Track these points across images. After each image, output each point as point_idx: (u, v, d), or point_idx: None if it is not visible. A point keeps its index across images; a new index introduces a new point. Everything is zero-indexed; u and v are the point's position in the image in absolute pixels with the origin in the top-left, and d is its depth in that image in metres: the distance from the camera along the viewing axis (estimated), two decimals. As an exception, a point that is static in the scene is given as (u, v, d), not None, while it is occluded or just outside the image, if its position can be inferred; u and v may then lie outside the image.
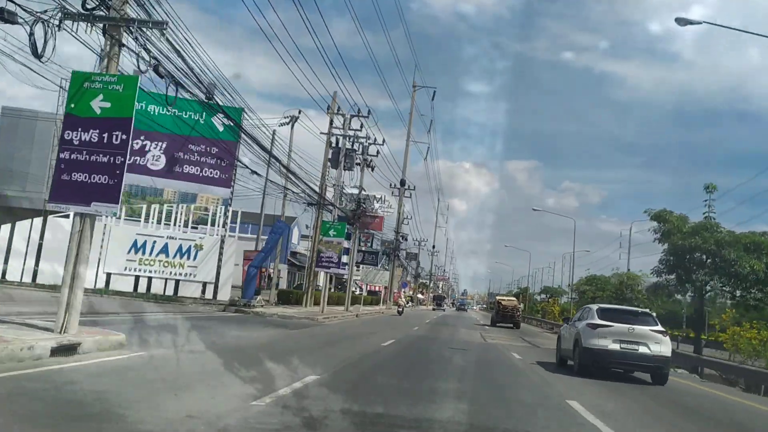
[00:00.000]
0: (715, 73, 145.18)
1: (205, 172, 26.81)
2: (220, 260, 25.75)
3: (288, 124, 33.96)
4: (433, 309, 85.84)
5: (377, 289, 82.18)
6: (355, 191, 62.62)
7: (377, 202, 67.21)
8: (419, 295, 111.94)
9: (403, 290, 67.06)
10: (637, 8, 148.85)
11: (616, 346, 12.85)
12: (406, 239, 53.44)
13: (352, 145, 29.32)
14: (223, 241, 25.94)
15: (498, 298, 50.00)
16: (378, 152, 34.62)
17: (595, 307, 15.13)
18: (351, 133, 29.14)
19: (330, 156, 29.80)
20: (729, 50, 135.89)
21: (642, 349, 12.88)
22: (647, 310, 16.25)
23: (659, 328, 13.45)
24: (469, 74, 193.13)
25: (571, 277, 40.02)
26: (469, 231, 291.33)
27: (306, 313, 26.20)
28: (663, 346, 13.09)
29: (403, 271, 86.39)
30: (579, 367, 13.44)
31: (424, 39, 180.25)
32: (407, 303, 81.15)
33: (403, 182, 49.14)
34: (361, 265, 60.99)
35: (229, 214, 26.36)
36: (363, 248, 69.21)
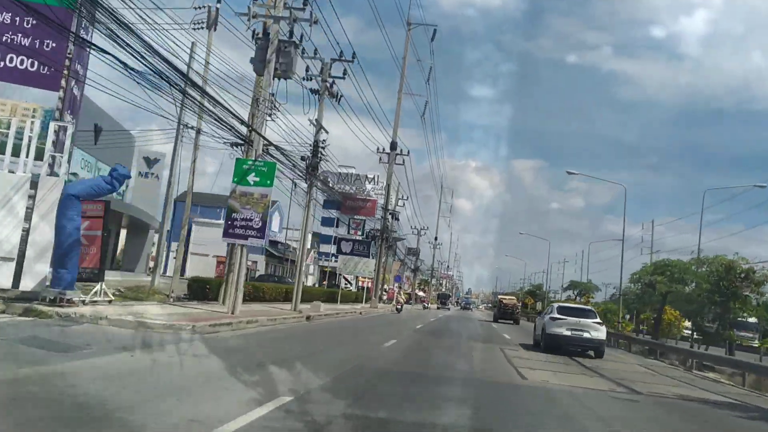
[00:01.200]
0: (721, 74, 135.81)
1: (12, 62, 14.77)
2: (28, 219, 13.46)
3: (205, 27, 21.85)
4: (438, 308, 74.18)
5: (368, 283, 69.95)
6: (345, 171, 50.51)
7: (369, 182, 55.62)
8: (420, 293, 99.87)
9: (396, 284, 54.67)
10: (643, 8, 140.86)
11: (568, 332, 17.75)
12: (398, 218, 40.99)
13: (290, 35, 16.93)
14: (36, 184, 13.64)
15: (500, 297, 55.29)
16: (345, 72, 22.31)
17: (556, 305, 21.95)
18: (286, 14, 16.74)
19: (255, 55, 17.43)
20: (735, 51, 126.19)
21: (585, 334, 17.80)
22: (590, 307, 23.42)
23: (598, 320, 18.85)
24: (475, 74, 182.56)
25: (621, 265, 27.57)
26: (474, 231, 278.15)
27: (201, 316, 14.09)
28: (600, 332, 18.09)
29: (401, 266, 74.19)
30: (544, 346, 18.26)
31: (428, 38, 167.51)
32: (407, 300, 69.03)
33: (393, 145, 36.84)
34: (343, 253, 48.90)
35: (51, 129, 14.09)
36: (354, 237, 57.74)
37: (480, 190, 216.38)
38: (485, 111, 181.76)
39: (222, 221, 56.01)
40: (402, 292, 57.71)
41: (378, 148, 36.42)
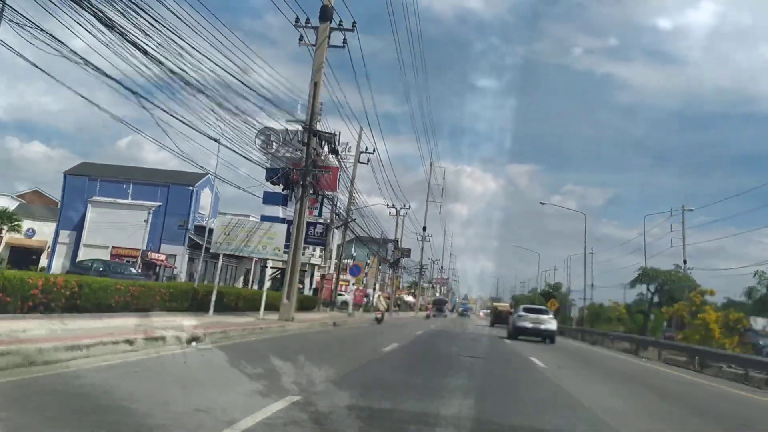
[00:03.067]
0: (721, 74, 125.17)
1: None
2: None
3: None
4: (433, 315, 59.43)
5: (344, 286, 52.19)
6: (294, 128, 34.37)
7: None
8: (408, 297, 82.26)
9: (354, 279, 37.35)
10: (643, 8, 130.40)
11: (530, 325, 24.51)
12: (335, 150, 22.23)
13: None
14: None
15: (495, 304, 64.33)
16: None
17: (521, 307, 28.99)
18: None
19: None
20: (735, 51, 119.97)
21: (542, 326, 24.46)
22: (546, 307, 30.00)
23: (551, 316, 25.86)
24: (471, 76, 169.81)
25: None
26: (470, 236, 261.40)
27: None
28: (552, 324, 24.88)
29: (376, 260, 56.49)
30: (514, 334, 24.84)
31: (426, 42, 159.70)
32: (387, 308, 51.69)
33: (325, 12, 19.04)
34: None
35: None
36: (307, 218, 40.16)
37: (476, 195, 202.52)
38: (482, 115, 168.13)
39: (131, 201, 36.78)
40: (382, 297, 40.28)
41: (297, 19, 18.79)
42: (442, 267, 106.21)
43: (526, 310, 26.57)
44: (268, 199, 42.43)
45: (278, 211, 42.92)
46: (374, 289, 49.96)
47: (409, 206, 47.06)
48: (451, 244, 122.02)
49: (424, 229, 67.15)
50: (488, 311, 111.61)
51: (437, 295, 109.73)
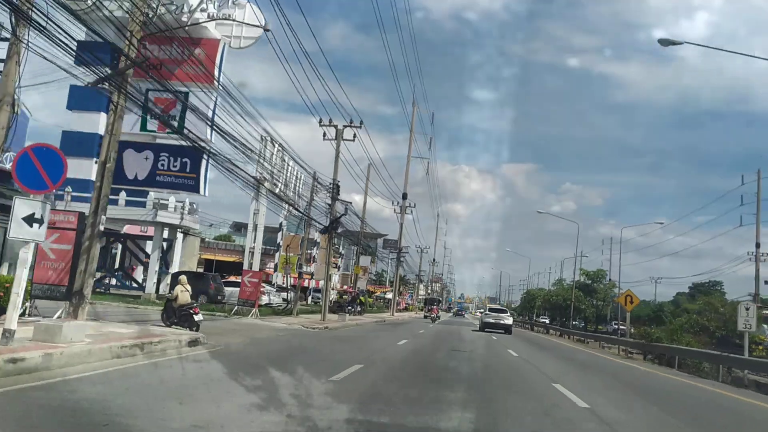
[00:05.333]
0: (719, 76, 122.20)
1: None
2: None
3: None
4: (424, 317, 49.15)
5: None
6: None
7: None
8: (390, 295, 61.88)
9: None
10: (641, 12, 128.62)
11: (493, 320, 33.11)
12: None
13: None
14: None
15: (488, 305, 68.94)
16: None
17: (487, 307, 47.78)
18: None
19: None
20: (730, 54, 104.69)
21: (501, 321, 33.08)
22: (504, 307, 45.27)
23: (508, 314, 35.66)
24: (469, 79, 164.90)
25: None
26: (468, 237, 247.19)
27: None
28: (509, 320, 33.86)
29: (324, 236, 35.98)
30: (482, 327, 32.98)
31: (424, 45, 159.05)
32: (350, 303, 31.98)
33: None
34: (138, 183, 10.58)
35: None
36: (162, 138, 17.90)
37: (475, 195, 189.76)
38: (481, 116, 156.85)
39: None
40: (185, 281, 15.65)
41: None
42: (434, 260, 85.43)
43: (490, 310, 37.98)
44: (76, 100, 21.44)
45: (96, 121, 21.97)
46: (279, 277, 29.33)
47: (361, 123, 25.76)
48: (446, 232, 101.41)
49: (404, 197, 46.48)
50: (484, 310, 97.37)
51: (428, 293, 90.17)
